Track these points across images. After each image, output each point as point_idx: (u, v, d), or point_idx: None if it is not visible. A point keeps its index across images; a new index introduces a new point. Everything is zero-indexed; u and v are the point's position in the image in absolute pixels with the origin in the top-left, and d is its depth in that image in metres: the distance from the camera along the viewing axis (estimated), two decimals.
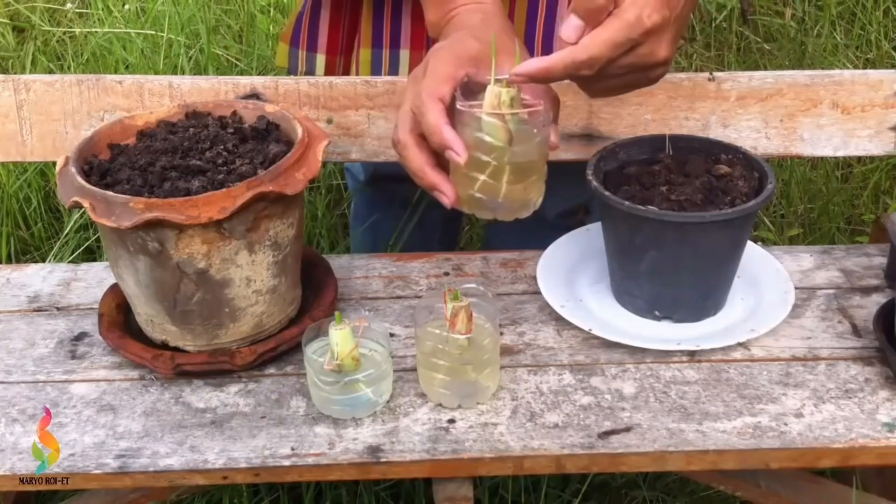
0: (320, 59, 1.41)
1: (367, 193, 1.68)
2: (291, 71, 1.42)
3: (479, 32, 0.97)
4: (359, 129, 1.31)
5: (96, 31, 2.49)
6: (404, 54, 1.35)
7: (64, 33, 2.62)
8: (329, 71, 1.40)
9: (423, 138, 0.94)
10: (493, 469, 0.98)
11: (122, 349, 1.09)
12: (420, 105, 0.90)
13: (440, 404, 1.03)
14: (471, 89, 0.94)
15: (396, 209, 1.59)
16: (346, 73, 1.40)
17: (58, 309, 1.21)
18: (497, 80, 0.92)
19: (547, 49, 1.33)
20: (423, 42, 1.36)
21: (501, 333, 1.14)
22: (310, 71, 1.40)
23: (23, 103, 1.30)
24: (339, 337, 1.00)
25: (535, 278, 1.19)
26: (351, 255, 1.34)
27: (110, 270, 1.12)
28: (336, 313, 1.01)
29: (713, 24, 2.72)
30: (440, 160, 0.96)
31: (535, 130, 0.94)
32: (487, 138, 0.92)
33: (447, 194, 0.92)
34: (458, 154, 0.88)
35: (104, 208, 0.98)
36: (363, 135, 1.32)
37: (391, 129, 1.30)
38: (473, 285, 1.03)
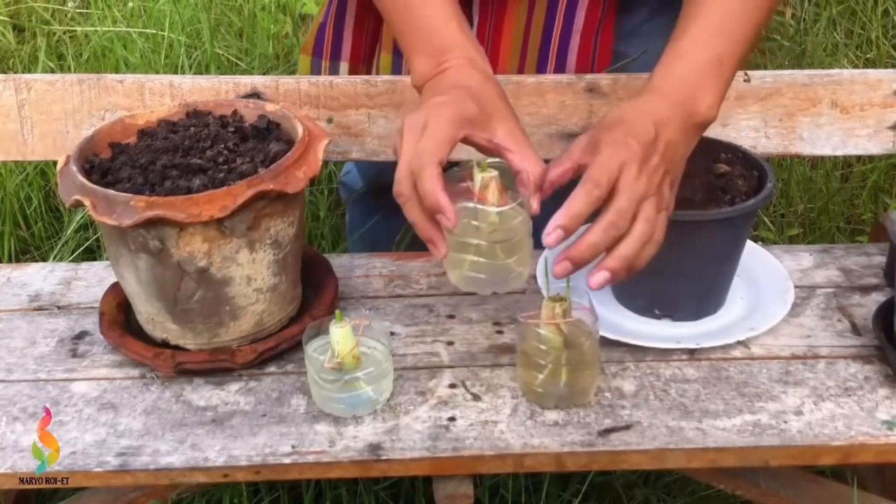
0: (343, 67, 1.42)
1: (364, 203, 1.68)
2: None
3: (479, 95, 1.00)
4: (359, 128, 1.32)
5: (97, 31, 2.49)
6: None
7: (65, 32, 2.62)
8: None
9: None
10: (494, 467, 0.99)
11: (122, 348, 1.09)
12: (419, 167, 0.93)
13: (474, 294, 1.04)
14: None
15: (394, 217, 1.59)
16: None
17: (58, 308, 1.21)
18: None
19: (560, 62, 1.34)
20: None
21: (501, 332, 1.14)
22: None
23: (24, 102, 1.30)
24: (340, 335, 1.00)
25: (534, 277, 1.19)
26: (351, 254, 1.34)
27: (111, 269, 1.12)
28: (336, 312, 1.01)
29: None
30: None
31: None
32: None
33: (439, 250, 0.97)
34: (449, 220, 0.93)
35: (105, 207, 0.98)
36: (363, 134, 1.32)
37: (391, 128, 1.31)
38: (499, 160, 0.99)
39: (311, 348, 1.02)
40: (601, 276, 0.94)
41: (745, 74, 1.31)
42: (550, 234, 0.92)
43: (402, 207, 0.97)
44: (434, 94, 1.00)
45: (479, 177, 0.98)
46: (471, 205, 0.97)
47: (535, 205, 0.96)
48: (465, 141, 0.97)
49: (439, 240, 0.97)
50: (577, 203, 0.92)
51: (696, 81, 1.02)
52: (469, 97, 0.98)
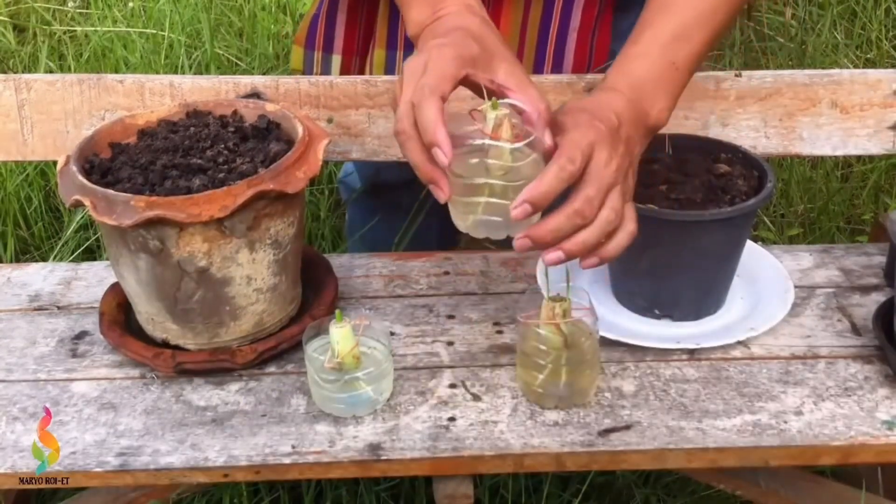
0: (336, 60, 1.41)
1: (364, 203, 1.68)
2: (306, 73, 1.42)
3: (479, 36, 0.98)
4: (359, 128, 1.32)
5: (97, 31, 2.49)
6: None
7: (65, 33, 2.62)
8: (344, 72, 1.40)
9: None
10: (494, 467, 0.99)
11: (122, 348, 1.09)
12: (420, 99, 0.91)
13: (487, 239, 0.99)
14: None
15: (394, 218, 1.59)
16: (361, 74, 1.40)
17: (58, 308, 1.21)
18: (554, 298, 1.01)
19: (558, 61, 1.34)
20: None
21: (501, 332, 1.14)
22: (325, 72, 1.41)
23: (24, 102, 1.30)
24: (340, 335, 1.00)
25: (534, 277, 1.19)
26: (351, 254, 1.34)
27: (111, 269, 1.12)
28: (336, 311, 1.01)
29: None
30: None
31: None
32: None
33: (443, 190, 0.93)
34: (445, 155, 0.90)
35: (105, 207, 0.98)
36: (363, 134, 1.32)
37: (391, 128, 1.30)
38: (507, 101, 0.96)
39: (311, 348, 1.02)
40: (555, 255, 0.93)
41: (738, 72, 1.31)
42: (517, 207, 0.90)
43: (401, 149, 0.94)
44: (433, 38, 0.98)
45: (491, 115, 0.93)
46: (482, 142, 0.93)
47: (548, 139, 0.93)
48: (466, 82, 0.95)
49: (442, 180, 0.92)
50: (548, 179, 0.90)
51: (651, 84, 1.02)
52: (469, 38, 0.96)
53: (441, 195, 0.93)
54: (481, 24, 1.01)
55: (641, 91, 1.01)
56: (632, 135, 0.98)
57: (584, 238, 0.93)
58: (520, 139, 0.93)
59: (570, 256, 0.93)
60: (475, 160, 0.94)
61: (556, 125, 0.94)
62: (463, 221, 0.97)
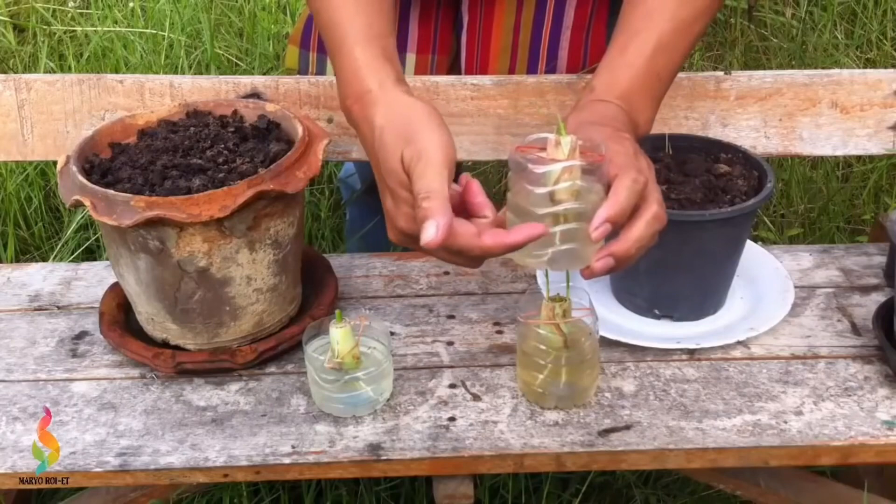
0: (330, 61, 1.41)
1: (365, 203, 1.68)
2: (301, 73, 1.42)
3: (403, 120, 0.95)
4: None
5: (98, 31, 2.49)
6: (410, 58, 1.36)
7: (65, 32, 2.62)
8: None
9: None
10: (494, 467, 0.99)
11: (122, 348, 1.09)
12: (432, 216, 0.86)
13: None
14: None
15: None
16: None
17: (58, 308, 1.21)
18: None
19: (552, 60, 1.34)
20: (429, 46, 1.36)
21: (501, 332, 1.14)
22: (320, 72, 1.40)
23: (24, 102, 1.30)
24: (340, 335, 1.00)
25: (535, 277, 1.19)
26: (351, 254, 1.34)
27: (111, 269, 1.12)
28: (336, 311, 1.01)
29: (716, 23, 2.73)
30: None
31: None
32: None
33: (533, 230, 0.87)
34: (438, 228, 0.85)
35: (105, 207, 0.98)
36: None
37: None
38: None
39: (311, 348, 1.03)
40: (607, 262, 0.89)
41: (727, 70, 1.32)
42: (598, 227, 0.87)
43: (437, 256, 0.91)
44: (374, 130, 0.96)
45: (565, 140, 0.87)
46: (549, 169, 0.87)
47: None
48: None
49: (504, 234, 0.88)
50: (623, 194, 0.88)
51: (638, 95, 1.03)
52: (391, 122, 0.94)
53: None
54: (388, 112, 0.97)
55: (631, 102, 1.02)
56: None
57: (637, 235, 0.90)
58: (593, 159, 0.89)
59: (618, 262, 0.90)
60: (540, 191, 0.88)
61: (583, 139, 0.91)
62: (537, 258, 0.90)
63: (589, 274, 0.91)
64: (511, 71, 1.35)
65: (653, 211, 0.91)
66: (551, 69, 1.34)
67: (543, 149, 0.89)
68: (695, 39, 1.08)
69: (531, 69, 1.34)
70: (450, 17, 1.35)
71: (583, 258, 0.90)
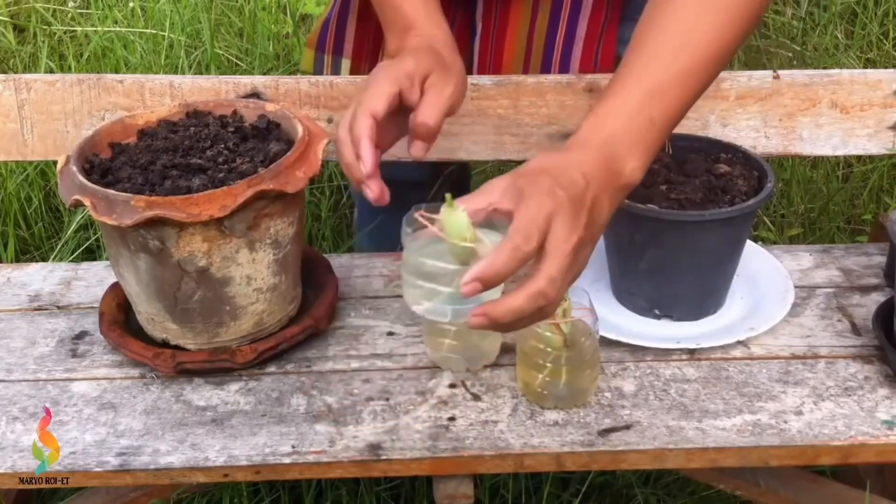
0: (345, 63, 1.42)
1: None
2: (317, 76, 1.43)
3: (419, 53, 1.05)
4: None
5: (98, 31, 2.49)
6: None
7: (65, 33, 2.62)
8: (354, 75, 1.41)
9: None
10: (494, 467, 0.99)
11: (122, 347, 1.09)
12: (356, 115, 0.99)
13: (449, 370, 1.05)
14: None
15: (401, 215, 1.60)
16: None
17: (58, 308, 1.21)
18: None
19: (564, 69, 1.35)
20: None
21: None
22: (335, 74, 1.41)
23: (24, 102, 1.30)
24: (454, 221, 0.88)
25: None
26: (351, 254, 1.34)
27: (111, 269, 1.12)
28: (447, 195, 0.88)
29: None
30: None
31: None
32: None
33: (372, 189, 0.99)
34: (364, 165, 0.98)
35: (105, 206, 0.98)
36: None
37: None
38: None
39: (413, 240, 0.94)
40: (480, 320, 0.86)
41: (776, 73, 1.32)
42: (468, 283, 0.84)
43: (336, 150, 1.02)
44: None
45: (446, 216, 0.91)
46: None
47: (414, 150, 1.03)
48: (402, 101, 1.02)
49: (371, 180, 0.99)
50: (502, 258, 0.84)
51: (626, 142, 0.95)
52: (409, 55, 1.05)
53: (370, 194, 1.00)
54: (427, 44, 1.08)
55: (615, 148, 0.95)
56: (600, 196, 0.90)
57: (516, 308, 0.86)
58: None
59: (492, 323, 0.87)
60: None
61: (513, 187, 0.88)
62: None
63: (467, 325, 0.88)
64: None
65: (537, 286, 0.85)
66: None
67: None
68: (700, 87, 1.01)
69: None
70: (465, 23, 1.36)
71: (462, 314, 0.89)
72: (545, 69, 1.36)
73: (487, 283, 0.84)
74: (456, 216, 0.88)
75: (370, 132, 0.99)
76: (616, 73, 1.02)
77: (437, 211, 0.90)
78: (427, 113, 1.02)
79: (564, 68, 1.35)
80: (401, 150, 1.32)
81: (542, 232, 0.85)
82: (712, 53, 1.00)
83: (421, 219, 0.91)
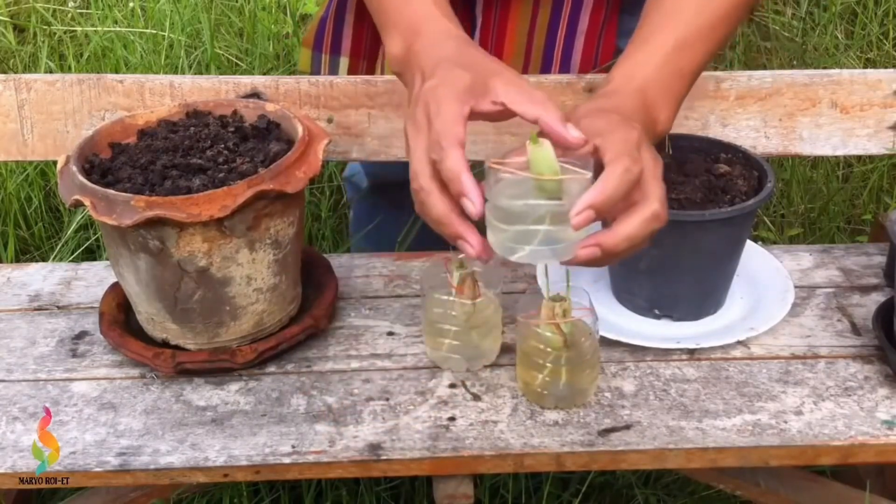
0: (343, 62, 1.41)
1: (369, 201, 1.68)
2: (314, 75, 1.43)
3: (464, 62, 0.94)
4: (359, 128, 1.32)
5: (98, 31, 2.49)
6: None
7: (65, 33, 2.62)
8: (352, 73, 1.40)
9: (445, 185, 0.89)
10: (494, 467, 0.99)
11: (122, 347, 1.09)
12: (440, 151, 0.86)
13: (449, 369, 1.08)
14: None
15: (398, 216, 1.60)
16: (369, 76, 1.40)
17: (58, 308, 1.21)
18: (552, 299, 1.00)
19: (565, 64, 1.34)
20: None
21: (503, 332, 1.14)
22: (332, 74, 1.41)
23: (24, 102, 1.30)
24: (540, 156, 0.85)
25: (534, 277, 1.19)
26: (351, 254, 1.34)
27: (111, 269, 1.12)
28: (531, 133, 0.86)
29: None
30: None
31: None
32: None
33: (472, 245, 0.88)
34: (474, 204, 0.85)
35: (105, 206, 0.98)
36: (364, 134, 1.32)
37: (391, 128, 1.31)
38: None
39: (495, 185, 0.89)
40: (592, 251, 0.86)
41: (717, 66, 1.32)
42: (580, 213, 0.83)
43: (420, 208, 0.90)
44: (420, 79, 0.95)
45: (457, 273, 1.04)
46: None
47: (573, 133, 0.87)
48: (472, 116, 0.90)
49: (470, 234, 0.87)
50: (612, 182, 0.83)
51: (658, 92, 0.99)
52: (456, 68, 0.92)
53: (471, 250, 0.88)
54: (459, 47, 0.97)
55: (648, 97, 0.98)
56: (645, 139, 0.93)
57: (629, 233, 0.86)
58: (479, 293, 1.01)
59: (605, 254, 0.86)
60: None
61: (585, 129, 0.88)
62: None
63: (571, 261, 0.87)
64: (524, 74, 1.35)
65: (652, 209, 0.87)
66: (564, 72, 1.34)
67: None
68: (720, 40, 1.05)
69: (544, 72, 1.34)
70: (465, 17, 1.35)
71: (568, 250, 0.88)
72: (546, 63, 1.35)
73: (601, 210, 0.84)
74: (543, 151, 0.85)
75: (467, 165, 0.85)
76: (639, 28, 1.04)
77: (504, 158, 0.88)
78: (550, 118, 0.89)
79: (566, 62, 1.35)
80: (399, 150, 1.33)
81: (639, 155, 0.86)
82: (735, 4, 1.03)
83: (497, 166, 0.87)
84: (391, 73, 1.36)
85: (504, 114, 0.91)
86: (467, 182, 0.85)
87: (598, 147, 0.87)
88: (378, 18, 1.06)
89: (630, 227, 0.86)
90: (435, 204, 0.88)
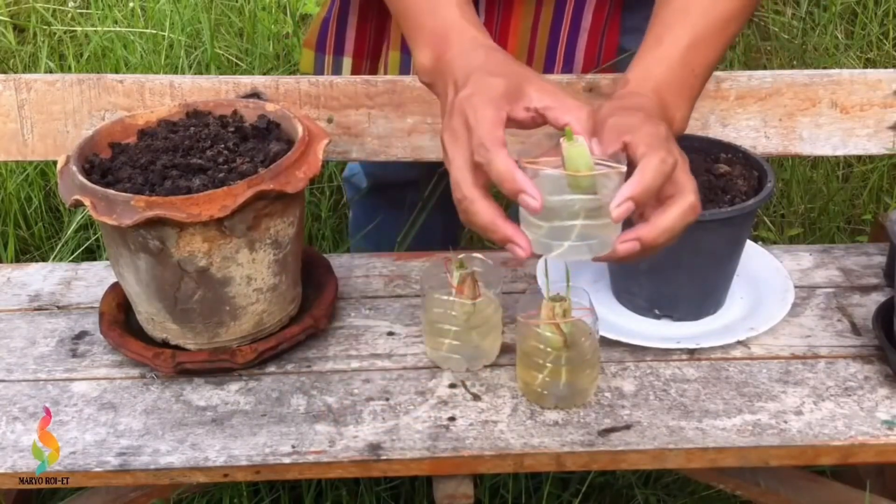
0: (347, 63, 1.41)
1: (368, 201, 1.69)
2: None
3: (496, 70, 0.94)
4: (359, 128, 1.32)
5: (98, 31, 2.49)
6: None
7: (65, 33, 2.62)
8: (356, 74, 1.40)
9: (487, 191, 0.90)
10: (494, 467, 0.99)
11: (122, 347, 1.09)
12: (486, 153, 0.86)
13: (449, 369, 1.08)
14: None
15: (398, 215, 1.60)
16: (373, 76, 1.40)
17: (59, 308, 1.21)
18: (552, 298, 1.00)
19: (568, 61, 1.34)
20: None
21: (503, 332, 1.14)
22: (336, 75, 1.41)
23: (24, 102, 1.30)
24: (576, 153, 0.86)
25: (534, 277, 1.19)
26: (351, 254, 1.34)
27: (111, 269, 1.12)
28: (566, 129, 0.87)
29: None
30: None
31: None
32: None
33: (522, 246, 0.87)
34: (534, 198, 0.85)
35: (105, 207, 0.98)
36: (363, 134, 1.32)
37: (391, 128, 1.31)
38: (476, 255, 1.07)
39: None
40: (632, 245, 0.87)
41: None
42: (620, 205, 0.84)
43: (465, 216, 0.89)
44: (453, 89, 0.95)
45: (457, 273, 1.05)
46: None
47: (595, 148, 0.88)
48: (508, 122, 0.91)
49: (519, 236, 0.87)
50: (650, 174, 0.84)
51: (673, 92, 0.99)
52: (489, 76, 0.92)
53: (521, 252, 0.87)
54: (489, 55, 0.97)
55: (664, 97, 0.98)
56: None
57: (668, 225, 0.87)
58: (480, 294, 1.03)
59: (644, 247, 0.87)
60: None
61: (613, 127, 0.90)
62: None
63: (610, 256, 0.88)
64: None
65: (689, 201, 0.88)
66: (567, 72, 1.34)
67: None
68: (729, 39, 1.05)
69: (547, 71, 1.34)
70: None
71: (604, 245, 0.88)
72: (549, 61, 1.35)
73: (640, 201, 0.85)
74: (578, 148, 0.86)
75: (515, 164, 0.85)
76: (651, 26, 1.04)
77: (536, 158, 0.89)
78: (579, 127, 0.89)
79: (569, 60, 1.35)
80: (399, 150, 1.33)
81: (672, 147, 0.88)
82: (742, 5, 1.04)
83: (532, 165, 0.88)
84: (396, 72, 1.37)
85: (536, 120, 0.92)
86: (522, 179, 0.85)
87: (628, 143, 0.88)
88: (405, 29, 1.06)
89: (669, 219, 0.87)
90: (480, 211, 0.88)
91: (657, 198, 0.88)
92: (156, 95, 1.30)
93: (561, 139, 0.87)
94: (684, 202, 0.88)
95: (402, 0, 1.05)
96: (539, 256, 0.90)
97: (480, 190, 0.89)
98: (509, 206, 0.96)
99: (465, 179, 0.88)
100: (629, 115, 0.92)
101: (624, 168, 0.87)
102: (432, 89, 1.02)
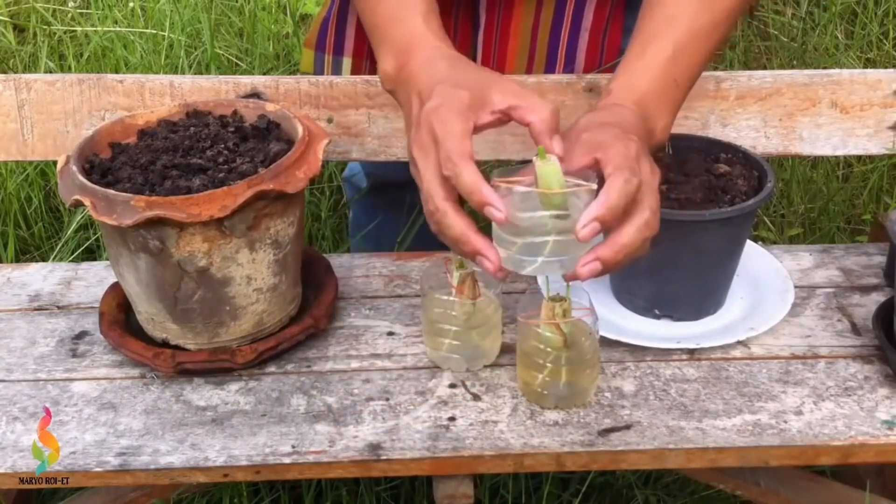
0: (346, 63, 1.41)
1: (368, 201, 1.69)
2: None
3: (459, 79, 0.95)
4: (359, 128, 1.32)
5: (98, 31, 2.49)
6: None
7: (65, 32, 2.62)
8: (355, 74, 1.40)
9: (459, 205, 0.91)
10: (494, 467, 0.99)
11: (122, 347, 1.09)
12: (454, 167, 0.88)
13: (449, 369, 1.08)
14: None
15: (398, 215, 1.60)
16: (372, 76, 1.40)
17: (59, 308, 1.21)
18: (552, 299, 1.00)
19: (569, 62, 1.34)
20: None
21: (503, 332, 1.14)
22: (336, 75, 1.41)
23: (24, 102, 1.30)
24: (548, 171, 0.88)
25: (535, 277, 1.19)
26: (351, 254, 1.34)
27: (111, 269, 1.12)
28: (539, 147, 0.89)
29: None
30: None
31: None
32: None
33: (491, 259, 0.89)
34: (500, 210, 0.87)
35: (105, 207, 0.98)
36: (363, 134, 1.32)
37: (391, 128, 1.31)
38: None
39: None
40: (593, 266, 0.89)
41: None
42: (586, 226, 0.86)
43: (437, 228, 0.91)
44: (417, 101, 0.96)
45: (457, 273, 1.05)
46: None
47: (556, 147, 0.90)
48: (476, 130, 0.92)
49: (489, 249, 0.89)
50: (614, 194, 0.86)
51: (655, 101, 1.01)
52: (453, 87, 0.93)
53: (489, 265, 0.89)
54: (452, 66, 0.98)
55: (647, 108, 1.00)
56: (644, 149, 0.96)
57: (625, 241, 0.89)
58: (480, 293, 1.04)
59: (605, 266, 0.89)
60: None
61: (586, 142, 0.92)
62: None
63: (572, 277, 0.90)
64: (528, 73, 1.35)
65: (644, 218, 0.89)
66: (569, 72, 1.34)
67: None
68: (714, 47, 1.06)
69: (549, 71, 1.34)
70: (468, 17, 1.35)
71: (575, 262, 0.90)
72: (550, 62, 1.35)
73: (605, 221, 0.87)
74: (550, 166, 0.88)
75: (482, 177, 0.87)
76: (635, 35, 1.06)
77: (509, 176, 0.91)
78: (542, 127, 0.92)
79: (570, 60, 1.35)
80: (399, 150, 1.33)
81: (637, 167, 0.89)
82: (726, 9, 1.06)
83: (505, 183, 0.90)
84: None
85: (503, 120, 0.94)
86: (488, 192, 0.87)
87: (598, 160, 0.90)
88: (372, 37, 1.08)
89: (624, 237, 0.89)
90: (451, 224, 0.90)
91: (625, 214, 0.89)
92: (156, 95, 1.30)
93: (534, 157, 0.89)
94: (639, 219, 0.89)
95: (371, 8, 1.07)
96: (510, 273, 0.91)
97: (452, 203, 0.90)
98: (479, 221, 0.97)
99: (436, 192, 0.90)
100: (603, 131, 0.93)
101: (594, 186, 0.89)
102: (395, 97, 1.04)
